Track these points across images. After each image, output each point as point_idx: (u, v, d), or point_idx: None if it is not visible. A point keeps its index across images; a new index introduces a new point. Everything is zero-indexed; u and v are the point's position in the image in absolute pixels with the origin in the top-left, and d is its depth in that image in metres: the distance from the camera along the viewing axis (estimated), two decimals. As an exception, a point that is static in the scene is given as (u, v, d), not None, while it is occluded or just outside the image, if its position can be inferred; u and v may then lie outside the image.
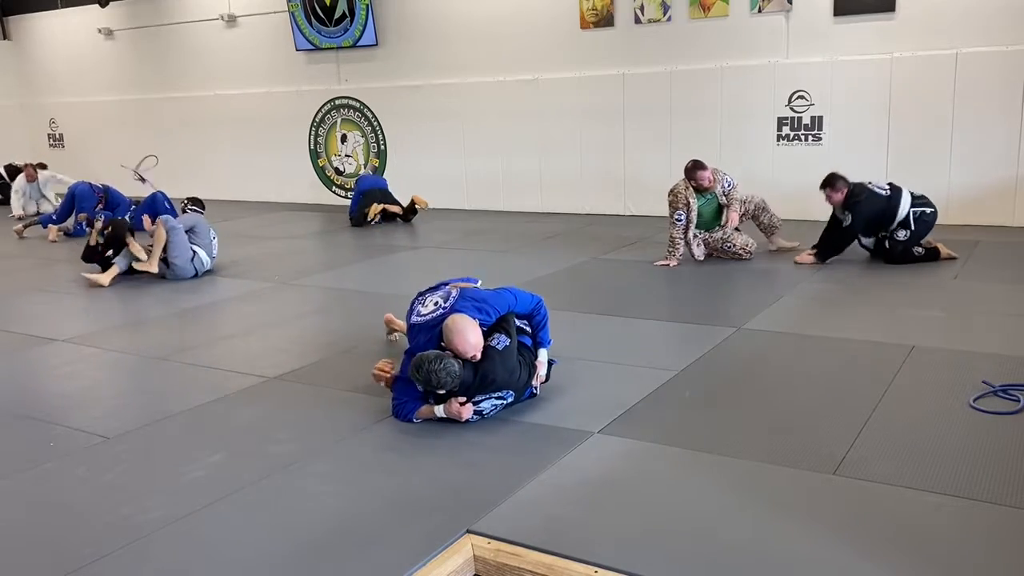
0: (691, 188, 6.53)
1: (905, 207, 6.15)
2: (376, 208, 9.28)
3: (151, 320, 5.87)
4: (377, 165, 10.89)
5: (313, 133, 11.32)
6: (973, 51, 7.35)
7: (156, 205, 8.45)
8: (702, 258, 6.61)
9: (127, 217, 8.29)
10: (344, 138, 11.11)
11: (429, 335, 3.69)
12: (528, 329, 3.92)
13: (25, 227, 9.66)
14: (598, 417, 3.63)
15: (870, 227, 6.30)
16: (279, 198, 11.73)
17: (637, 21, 8.78)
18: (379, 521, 2.85)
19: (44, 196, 10.64)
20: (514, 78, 9.58)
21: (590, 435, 3.47)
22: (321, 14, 10.64)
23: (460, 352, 3.54)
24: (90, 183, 9.37)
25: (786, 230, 6.98)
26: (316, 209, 10.99)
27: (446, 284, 4.08)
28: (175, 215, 7.52)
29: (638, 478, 3.10)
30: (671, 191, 6.61)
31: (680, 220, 6.51)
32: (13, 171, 12.27)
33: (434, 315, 3.74)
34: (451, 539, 2.71)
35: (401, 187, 9.69)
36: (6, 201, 11.86)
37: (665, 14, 8.62)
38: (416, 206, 9.43)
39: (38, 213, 10.10)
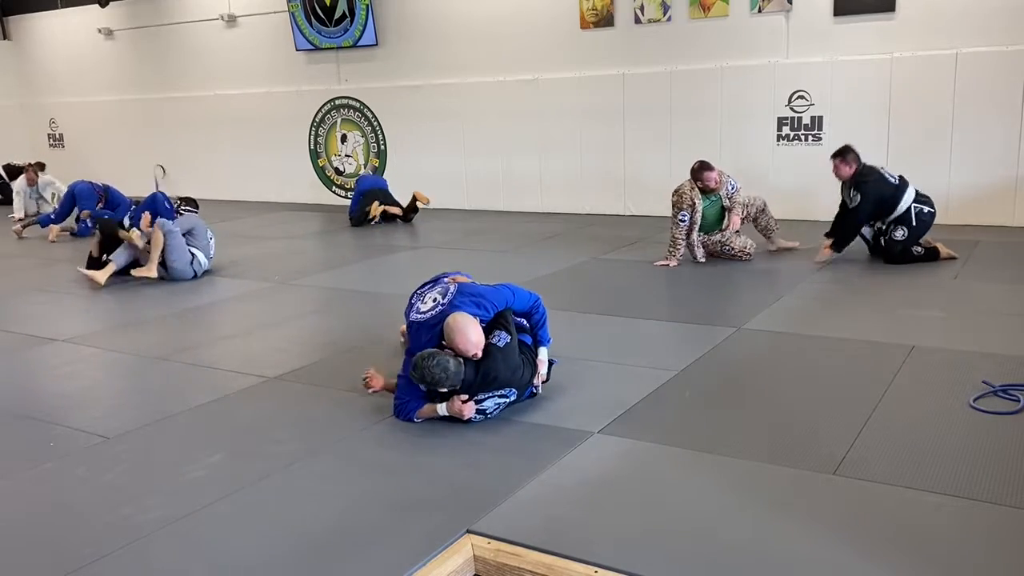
0: (697, 189, 6.51)
1: (908, 200, 6.15)
2: (377, 207, 9.28)
3: (151, 320, 5.87)
4: (377, 165, 10.89)
5: (313, 133, 11.32)
6: (973, 51, 7.35)
7: (156, 205, 8.42)
8: (703, 260, 6.60)
9: (127, 217, 8.28)
10: (344, 138, 11.11)
11: (430, 334, 3.69)
12: (527, 327, 3.92)
13: (24, 227, 9.67)
14: (598, 417, 3.63)
15: (873, 213, 6.25)
16: (279, 198, 11.72)
17: (637, 21, 8.78)
18: (379, 521, 2.85)
19: (43, 198, 10.64)
20: (514, 78, 9.58)
21: (590, 435, 3.47)
22: (321, 14, 10.64)
23: (462, 351, 3.54)
24: (91, 182, 9.36)
25: (785, 230, 6.98)
26: (316, 209, 10.99)
27: (444, 277, 4.08)
28: (174, 217, 7.51)
29: (638, 478, 3.10)
30: (675, 191, 6.59)
31: (684, 221, 6.50)
32: (13, 171, 12.27)
33: (433, 313, 3.73)
34: (451, 539, 2.71)
35: (401, 187, 9.69)
36: (6, 201, 11.87)
37: (665, 14, 8.62)
38: (417, 202, 9.42)
39: (38, 213, 10.10)
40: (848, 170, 6.24)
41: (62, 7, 13.29)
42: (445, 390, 3.55)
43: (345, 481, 3.20)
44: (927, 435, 3.32)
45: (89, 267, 7.06)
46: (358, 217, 9.33)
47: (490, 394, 3.60)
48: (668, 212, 6.75)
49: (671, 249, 6.58)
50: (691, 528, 2.73)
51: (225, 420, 3.89)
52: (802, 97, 8.09)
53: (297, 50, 11.03)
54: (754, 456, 3.20)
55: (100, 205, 9.09)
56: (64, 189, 9.81)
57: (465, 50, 9.85)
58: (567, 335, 4.60)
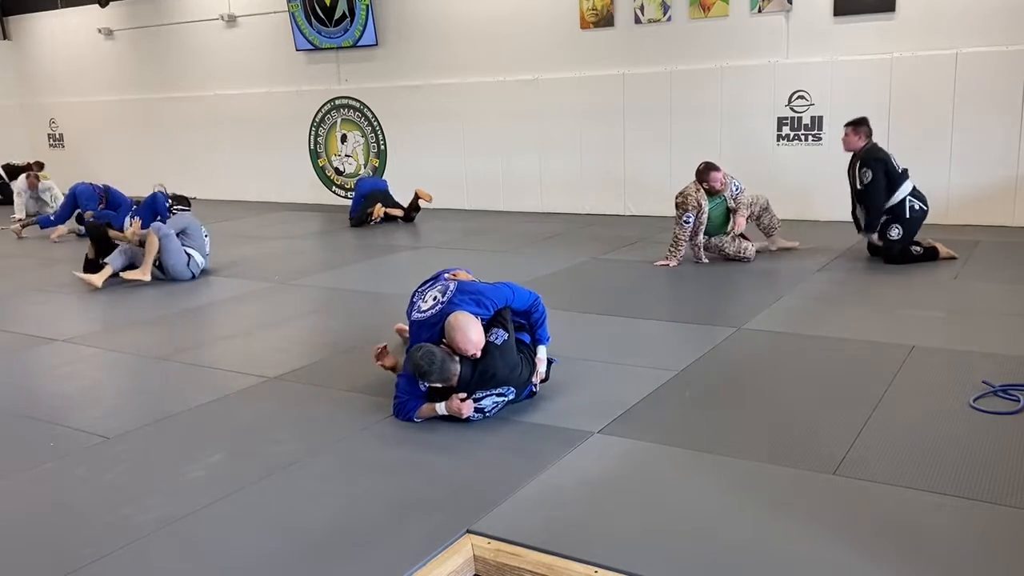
0: (703, 191, 6.50)
1: (905, 191, 6.17)
2: (379, 210, 9.28)
3: (151, 320, 5.87)
4: (377, 165, 10.89)
5: (313, 133, 11.32)
6: (973, 51, 7.35)
7: (156, 204, 8.42)
8: (706, 261, 6.60)
9: (127, 217, 8.27)
10: (344, 138, 11.11)
11: (431, 332, 3.69)
12: (527, 326, 3.92)
13: (24, 227, 9.67)
14: (598, 417, 3.63)
15: (884, 187, 6.20)
16: (279, 198, 11.73)
17: (637, 21, 8.78)
18: (379, 521, 2.85)
19: (42, 200, 10.64)
20: (514, 78, 9.58)
21: (590, 435, 3.47)
22: (321, 14, 10.64)
23: (461, 350, 3.54)
24: (91, 183, 9.36)
25: (785, 230, 6.98)
26: (316, 209, 10.99)
27: (444, 274, 4.08)
28: (168, 216, 7.48)
29: (638, 478, 3.10)
30: (680, 193, 6.55)
31: (688, 222, 6.48)
32: (13, 171, 12.27)
33: (434, 311, 3.73)
34: (451, 539, 2.71)
35: (401, 187, 9.70)
36: (5, 201, 11.87)
37: (665, 14, 8.62)
38: (420, 200, 9.42)
39: (38, 214, 10.11)
40: (858, 142, 6.24)
41: (62, 7, 13.29)
42: (437, 385, 3.55)
43: (345, 481, 3.20)
44: (927, 435, 3.32)
45: (86, 270, 7.06)
46: (358, 217, 9.33)
47: (488, 392, 3.60)
48: (668, 212, 6.75)
49: (672, 249, 6.58)
50: (691, 528, 2.73)
51: (225, 420, 3.89)
52: (802, 97, 8.10)
53: (297, 50, 11.03)
54: (754, 456, 3.20)
55: (101, 206, 9.08)
56: (61, 197, 9.82)
57: (465, 50, 9.85)
58: (567, 335, 4.60)
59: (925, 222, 6.33)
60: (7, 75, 14.14)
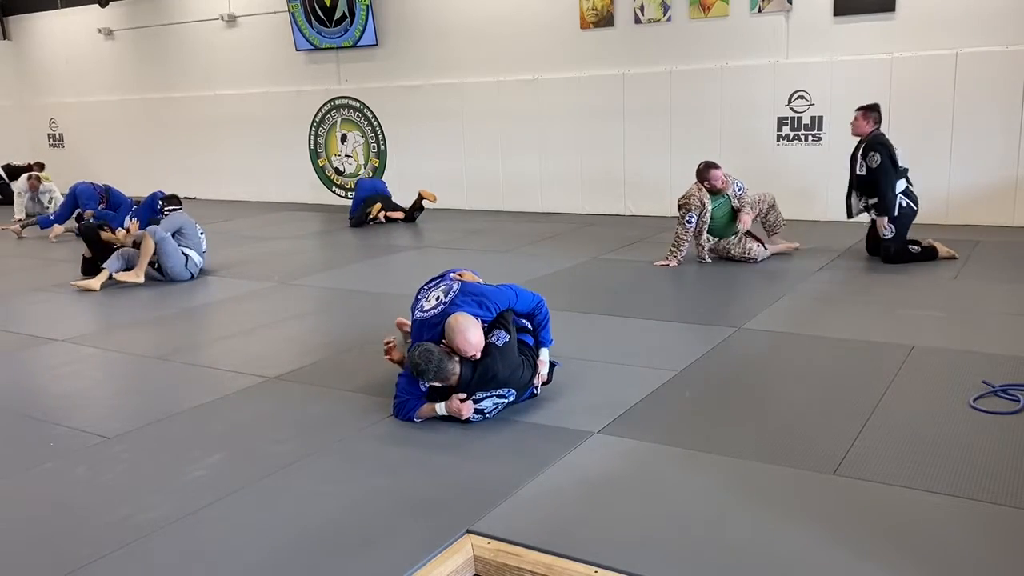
0: (704, 190, 6.49)
1: (900, 187, 6.20)
2: (379, 210, 9.27)
3: (150, 320, 5.87)
4: (377, 165, 10.89)
5: (313, 133, 11.32)
6: (973, 51, 7.36)
7: (154, 204, 8.43)
8: (710, 261, 6.59)
9: (128, 217, 8.27)
10: (344, 138, 11.11)
11: (432, 332, 3.69)
12: (529, 328, 3.91)
13: (23, 227, 9.67)
14: (598, 417, 3.63)
15: (868, 184, 6.24)
16: (279, 198, 11.73)
17: (637, 21, 8.78)
18: (379, 521, 2.85)
19: (40, 202, 10.64)
20: (514, 78, 9.58)
21: (590, 435, 3.46)
22: (321, 14, 10.64)
23: (461, 351, 3.54)
24: (92, 183, 9.36)
25: (785, 229, 6.97)
26: (316, 209, 10.99)
27: (449, 273, 4.08)
28: (160, 217, 7.45)
29: (638, 478, 3.10)
30: (682, 197, 6.53)
31: (691, 223, 6.47)
32: (13, 171, 12.27)
33: (436, 311, 3.73)
34: (451, 539, 2.71)
35: (402, 187, 9.70)
36: (5, 201, 11.87)
37: (665, 14, 8.62)
38: (423, 200, 9.42)
39: (38, 214, 10.11)
40: (866, 127, 6.27)
41: (62, 7, 13.30)
42: (436, 384, 3.55)
43: (345, 481, 3.19)
44: (927, 435, 3.32)
45: (83, 270, 7.06)
46: (358, 217, 9.33)
47: (488, 393, 3.60)
48: (668, 212, 6.75)
49: (673, 249, 6.57)
50: (691, 528, 2.73)
51: (225, 420, 3.89)
52: (802, 97, 8.10)
53: (297, 50, 11.03)
54: (754, 456, 3.20)
55: (102, 206, 9.08)
56: (61, 199, 9.82)
57: (465, 50, 9.85)
58: (567, 335, 4.60)
59: (925, 222, 6.34)
60: (7, 75, 14.15)
